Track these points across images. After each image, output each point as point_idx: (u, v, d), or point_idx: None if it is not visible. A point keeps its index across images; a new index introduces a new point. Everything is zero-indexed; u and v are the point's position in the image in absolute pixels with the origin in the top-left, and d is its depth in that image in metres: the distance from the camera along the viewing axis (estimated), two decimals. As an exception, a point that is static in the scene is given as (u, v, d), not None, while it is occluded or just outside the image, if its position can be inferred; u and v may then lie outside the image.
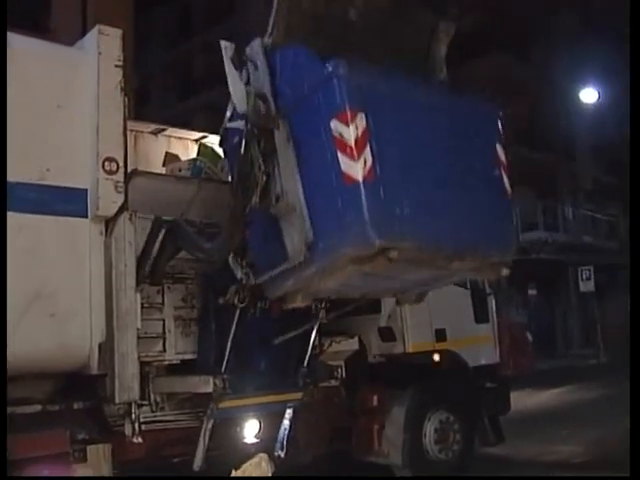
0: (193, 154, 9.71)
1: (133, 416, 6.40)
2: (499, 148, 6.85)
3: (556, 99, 29.10)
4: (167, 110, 34.48)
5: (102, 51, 6.43)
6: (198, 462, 6.73)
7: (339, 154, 5.76)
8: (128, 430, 6.42)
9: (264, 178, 6.15)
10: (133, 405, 6.39)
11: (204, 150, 9.21)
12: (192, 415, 7.06)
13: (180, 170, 8.47)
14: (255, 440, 7.18)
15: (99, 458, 6.32)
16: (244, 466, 5.45)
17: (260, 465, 5.48)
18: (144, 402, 6.68)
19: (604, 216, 34.61)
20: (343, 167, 5.74)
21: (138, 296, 6.47)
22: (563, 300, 32.57)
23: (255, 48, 6.44)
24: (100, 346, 6.24)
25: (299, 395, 7.22)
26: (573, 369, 23.20)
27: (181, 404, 7.01)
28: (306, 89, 6.13)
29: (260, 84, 6.32)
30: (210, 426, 6.80)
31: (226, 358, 6.73)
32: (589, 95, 27.67)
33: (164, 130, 9.61)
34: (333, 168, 5.79)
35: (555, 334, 31.84)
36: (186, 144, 9.82)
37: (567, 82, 29.65)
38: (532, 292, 30.31)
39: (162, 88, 39.99)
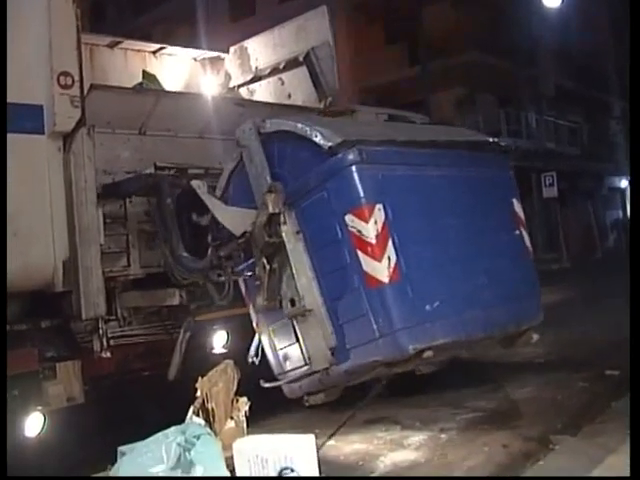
0: (151, 67, 9.58)
1: (101, 332, 6.41)
2: (516, 203, 6.50)
3: (519, 4, 28.71)
4: (124, 25, 33.54)
5: (50, -40, 6.18)
6: (173, 372, 6.86)
7: (359, 253, 5.28)
8: (96, 346, 6.43)
9: (268, 278, 5.71)
10: (100, 321, 6.39)
11: (148, 76, 9.13)
12: (160, 328, 7.09)
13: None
14: (223, 350, 7.26)
15: (69, 375, 6.35)
16: (210, 373, 5.51)
17: (226, 371, 5.54)
18: (111, 317, 6.71)
19: (566, 122, 34.69)
20: (365, 268, 5.27)
21: (100, 211, 6.41)
22: (527, 206, 32.78)
23: (247, 132, 6.04)
24: (64, 263, 6.20)
25: None
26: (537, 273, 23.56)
27: (148, 318, 7.04)
28: (312, 181, 5.61)
29: (258, 172, 5.88)
30: (187, 338, 6.88)
31: None
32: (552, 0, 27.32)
33: (120, 43, 9.41)
34: (354, 269, 5.33)
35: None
36: (143, 56, 9.63)
37: (530, -14, 29.28)
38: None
39: (117, 3, 38.82)
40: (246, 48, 9.98)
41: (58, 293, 6.29)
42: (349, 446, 6.73)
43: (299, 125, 5.73)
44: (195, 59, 10.41)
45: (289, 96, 9.25)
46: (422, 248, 5.53)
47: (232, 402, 5.50)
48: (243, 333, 7.05)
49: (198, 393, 5.36)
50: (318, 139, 5.52)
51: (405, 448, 6.68)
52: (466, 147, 6.40)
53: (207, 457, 4.30)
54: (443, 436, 6.92)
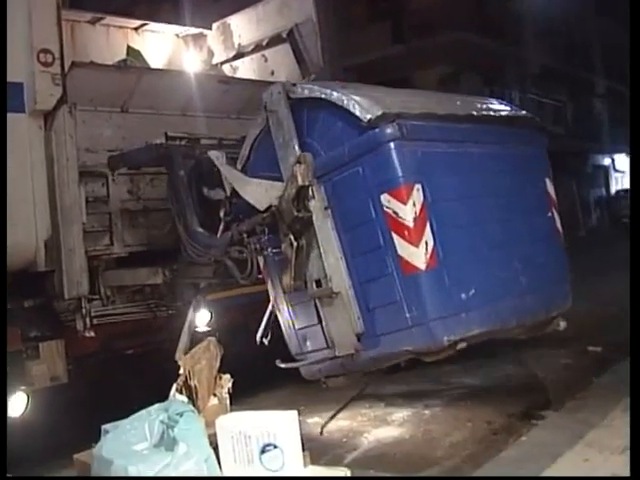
0: (133, 44, 9.50)
1: (84, 311, 6.41)
2: (549, 183, 6.22)
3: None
4: (106, 1, 33.17)
5: None
6: (181, 353, 6.71)
7: (395, 236, 4.92)
8: (79, 325, 6.43)
9: (296, 255, 5.32)
10: (83, 300, 6.38)
11: (133, 52, 9.05)
12: (144, 307, 7.07)
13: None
14: (207, 328, 7.25)
15: (52, 354, 6.32)
16: (193, 350, 5.51)
17: (209, 348, 5.54)
18: (94, 296, 6.66)
19: (551, 101, 34.73)
20: (400, 252, 4.92)
21: (82, 190, 6.37)
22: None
23: (275, 95, 5.56)
24: (46, 243, 6.18)
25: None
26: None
27: (132, 297, 7.01)
28: (347, 154, 5.17)
29: (285, 140, 5.43)
30: (195, 318, 6.62)
31: None
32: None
33: (102, 19, 9.31)
34: (387, 252, 4.97)
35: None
36: (125, 33, 9.55)
37: (515, -37, 29.23)
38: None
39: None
40: (229, 24, 9.90)
41: (41, 272, 6.27)
42: (333, 423, 6.78)
43: (335, 93, 5.28)
44: (178, 35, 10.32)
45: (272, 73, 9.19)
46: (460, 232, 5.22)
47: (215, 379, 5.50)
48: (224, 312, 7.07)
49: (181, 370, 5.37)
50: (356, 110, 5.09)
51: (389, 424, 6.74)
52: (505, 122, 6.15)
53: (190, 434, 4.30)
54: (427, 412, 6.98)
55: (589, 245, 23.57)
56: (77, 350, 6.65)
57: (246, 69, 9.62)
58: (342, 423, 6.70)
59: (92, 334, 6.48)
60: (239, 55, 9.74)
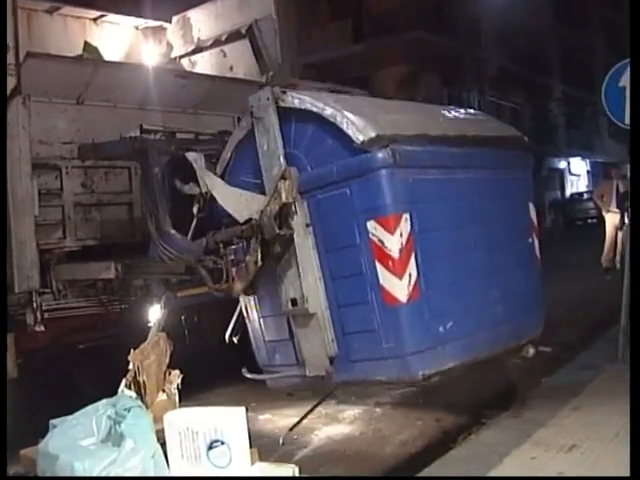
0: (91, 35, 9.41)
1: (34, 305, 6.34)
2: (532, 208, 6.22)
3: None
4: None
5: None
6: None
7: (378, 265, 4.82)
8: (30, 319, 6.36)
9: (255, 270, 5.25)
10: (34, 294, 6.31)
11: (89, 48, 8.97)
12: (96, 301, 7.00)
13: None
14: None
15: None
16: (143, 345, 5.47)
17: (158, 344, 5.50)
18: (46, 290, 6.59)
19: (508, 103, 35.07)
20: (382, 281, 4.82)
21: (35, 182, 6.29)
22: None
23: (263, 101, 5.33)
24: (-5, 235, 6.09)
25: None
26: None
27: (84, 291, 6.94)
28: (335, 173, 5.00)
29: (271, 149, 5.25)
30: (165, 315, 6.32)
31: None
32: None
33: (60, 8, 9.19)
34: (369, 280, 4.87)
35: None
36: (84, 24, 9.45)
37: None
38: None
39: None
40: (189, 18, 9.85)
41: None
42: (284, 420, 6.78)
43: (328, 109, 5.07)
44: (137, 28, 10.23)
45: (231, 68, 9.17)
46: (443, 262, 5.17)
47: (164, 375, 5.46)
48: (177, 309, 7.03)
49: (130, 366, 5.33)
50: (349, 130, 4.92)
51: (340, 422, 6.76)
52: (494, 143, 6.00)
53: (137, 430, 4.27)
54: (378, 410, 7.02)
55: (543, 246, 23.82)
56: (27, 344, 6.57)
57: (205, 64, 9.58)
58: (293, 420, 6.70)
59: (42, 328, 6.41)
60: (198, 49, 9.70)
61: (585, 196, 36.97)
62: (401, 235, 4.80)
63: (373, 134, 4.88)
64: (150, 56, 10.09)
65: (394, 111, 5.95)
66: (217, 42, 9.40)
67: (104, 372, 6.62)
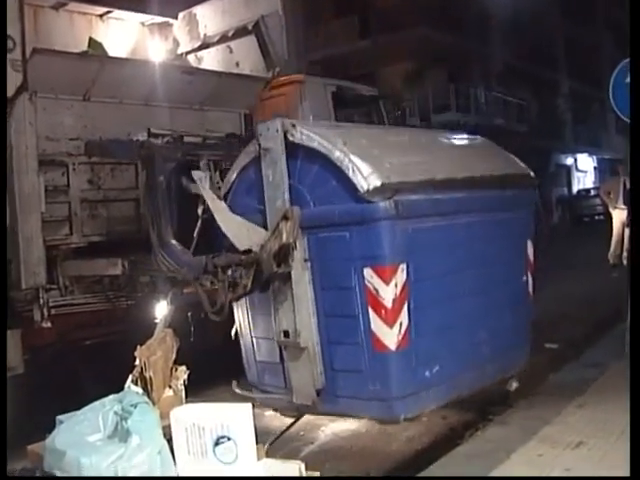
0: (97, 31, 9.40)
1: (41, 301, 6.33)
2: (530, 246, 6.24)
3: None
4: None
5: None
6: None
7: (371, 312, 4.90)
8: (37, 315, 6.35)
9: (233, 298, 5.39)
10: (41, 290, 6.30)
11: (94, 44, 8.96)
12: (102, 298, 7.01)
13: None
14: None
15: (8, 344, 6.25)
16: (149, 341, 5.47)
17: (165, 340, 5.50)
18: (52, 286, 6.61)
19: (515, 99, 35.00)
20: (374, 328, 4.90)
21: (41, 179, 6.29)
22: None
23: (272, 132, 5.28)
24: (4, 231, 6.10)
25: None
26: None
27: (91, 287, 6.95)
28: (337, 216, 5.04)
29: (276, 181, 5.25)
30: (172, 311, 6.22)
31: None
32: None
33: (66, 4, 9.18)
34: (361, 323, 4.96)
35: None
36: (90, 20, 9.45)
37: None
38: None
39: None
40: (195, 14, 9.84)
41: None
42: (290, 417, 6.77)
43: (335, 153, 5.04)
44: (143, 24, 10.21)
45: (237, 64, 9.16)
46: (435, 310, 5.20)
47: (171, 371, 5.46)
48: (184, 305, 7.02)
49: (137, 362, 5.33)
50: (355, 177, 4.93)
51: (346, 419, 6.74)
52: (500, 183, 5.99)
53: (144, 426, 4.28)
54: (384, 407, 6.99)
55: (550, 243, 23.79)
56: (34, 340, 6.57)
57: (211, 60, 9.57)
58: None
59: (49, 324, 6.41)
60: (204, 46, 9.69)
61: (592, 193, 36.86)
62: (396, 286, 4.88)
63: (378, 183, 4.90)
64: (156, 52, 10.08)
65: (403, 149, 5.93)
66: (223, 38, 9.39)
67: (110, 368, 6.63)
